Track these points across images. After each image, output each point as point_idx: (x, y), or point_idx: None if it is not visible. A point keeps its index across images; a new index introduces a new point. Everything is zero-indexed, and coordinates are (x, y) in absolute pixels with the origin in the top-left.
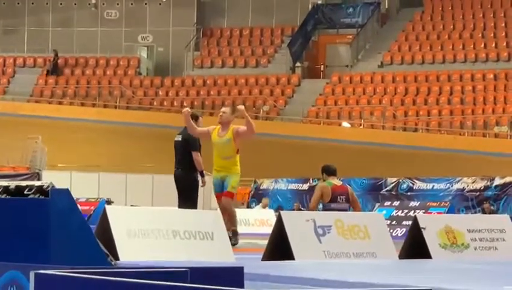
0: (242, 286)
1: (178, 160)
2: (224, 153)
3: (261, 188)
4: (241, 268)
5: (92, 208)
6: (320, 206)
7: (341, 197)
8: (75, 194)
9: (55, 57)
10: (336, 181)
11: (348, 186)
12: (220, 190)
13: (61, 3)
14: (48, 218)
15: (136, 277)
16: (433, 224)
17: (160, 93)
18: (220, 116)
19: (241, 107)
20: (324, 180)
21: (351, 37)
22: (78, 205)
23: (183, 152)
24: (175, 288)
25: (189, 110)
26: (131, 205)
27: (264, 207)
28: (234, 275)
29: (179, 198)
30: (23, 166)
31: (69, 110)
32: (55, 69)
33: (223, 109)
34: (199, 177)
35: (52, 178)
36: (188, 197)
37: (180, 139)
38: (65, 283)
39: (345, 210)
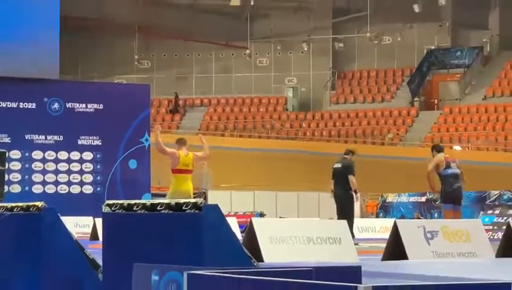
0: (360, 282)
1: (338, 182)
2: None
3: (387, 201)
4: (359, 267)
5: (248, 220)
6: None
7: (453, 164)
8: (234, 209)
9: (175, 98)
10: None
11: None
12: None
13: (222, 54)
14: (201, 229)
15: (269, 276)
16: None
17: (303, 125)
18: None
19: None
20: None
21: (459, 75)
22: (235, 218)
23: (342, 176)
24: (301, 284)
25: (160, 128)
26: (280, 217)
27: None
28: (353, 273)
29: (339, 212)
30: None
31: (229, 141)
32: (176, 108)
33: None
34: (354, 195)
35: (216, 196)
36: (347, 210)
37: (340, 166)
38: (212, 281)
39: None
